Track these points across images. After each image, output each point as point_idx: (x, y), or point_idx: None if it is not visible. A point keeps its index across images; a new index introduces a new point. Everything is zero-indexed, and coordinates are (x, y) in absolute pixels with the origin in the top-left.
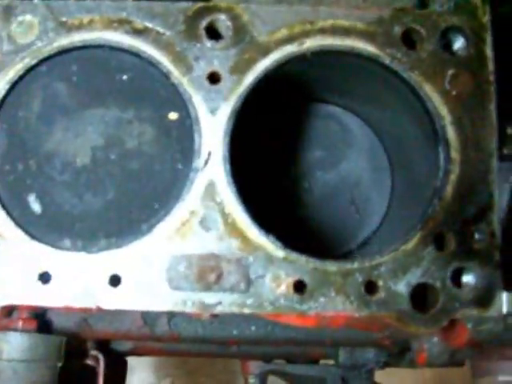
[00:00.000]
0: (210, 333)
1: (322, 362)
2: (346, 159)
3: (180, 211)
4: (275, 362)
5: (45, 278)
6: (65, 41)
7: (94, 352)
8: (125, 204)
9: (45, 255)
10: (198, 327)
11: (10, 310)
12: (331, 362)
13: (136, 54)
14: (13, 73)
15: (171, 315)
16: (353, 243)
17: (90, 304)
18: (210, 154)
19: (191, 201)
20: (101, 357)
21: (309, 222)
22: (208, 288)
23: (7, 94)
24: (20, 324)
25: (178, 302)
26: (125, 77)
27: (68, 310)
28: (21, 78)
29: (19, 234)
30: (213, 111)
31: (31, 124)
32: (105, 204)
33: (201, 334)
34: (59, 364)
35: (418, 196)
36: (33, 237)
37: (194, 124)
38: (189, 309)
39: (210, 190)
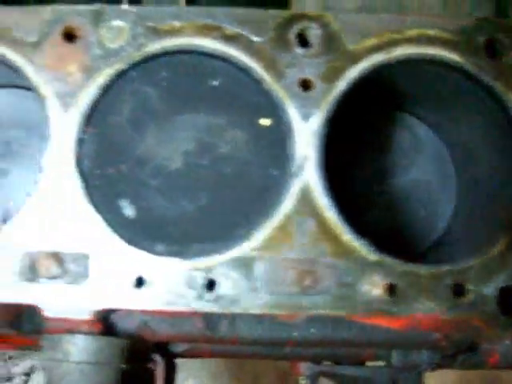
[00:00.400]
0: (270, 335)
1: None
2: (416, 166)
3: (276, 216)
4: (324, 364)
5: (140, 282)
6: (155, 46)
7: (153, 355)
8: (218, 209)
9: (140, 260)
10: (259, 330)
11: (103, 315)
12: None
13: (227, 60)
14: (103, 78)
15: (234, 318)
16: (423, 246)
17: (185, 308)
18: (305, 159)
19: (287, 206)
20: (160, 360)
21: (381, 224)
22: (303, 291)
23: (98, 99)
24: (86, 326)
25: (274, 305)
26: (215, 82)
27: (162, 315)
28: (111, 82)
29: (115, 238)
30: (305, 118)
31: (122, 129)
32: (198, 209)
33: (261, 336)
34: (123, 366)
35: (486, 201)
36: (128, 241)
37: (287, 130)
38: (284, 312)
39: (305, 195)
